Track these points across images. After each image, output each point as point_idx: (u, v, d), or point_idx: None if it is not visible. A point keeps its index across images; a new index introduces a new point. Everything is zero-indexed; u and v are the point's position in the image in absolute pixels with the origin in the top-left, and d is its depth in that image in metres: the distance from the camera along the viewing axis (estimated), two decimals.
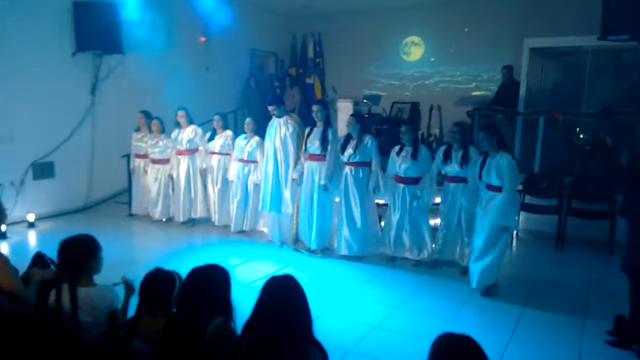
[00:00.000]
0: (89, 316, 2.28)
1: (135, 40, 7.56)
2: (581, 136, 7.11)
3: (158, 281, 2.14)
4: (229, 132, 6.74)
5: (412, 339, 3.68)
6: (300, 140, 5.82)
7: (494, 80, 9.09)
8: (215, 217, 6.76)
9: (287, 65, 11.51)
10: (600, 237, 5.99)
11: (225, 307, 2.02)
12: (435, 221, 5.52)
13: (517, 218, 5.07)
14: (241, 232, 6.49)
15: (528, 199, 6.53)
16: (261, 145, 6.25)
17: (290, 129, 5.85)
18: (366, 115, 9.96)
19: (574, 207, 6.12)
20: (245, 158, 6.38)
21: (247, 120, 6.57)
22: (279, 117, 5.92)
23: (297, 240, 5.99)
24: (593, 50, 7.26)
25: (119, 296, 2.40)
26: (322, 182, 5.60)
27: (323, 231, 5.77)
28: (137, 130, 7.12)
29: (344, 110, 7.26)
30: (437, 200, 5.42)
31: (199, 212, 6.85)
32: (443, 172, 5.20)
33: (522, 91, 7.67)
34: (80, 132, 7.38)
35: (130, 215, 7.23)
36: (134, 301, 2.32)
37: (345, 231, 5.54)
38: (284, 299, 1.85)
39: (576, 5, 7.65)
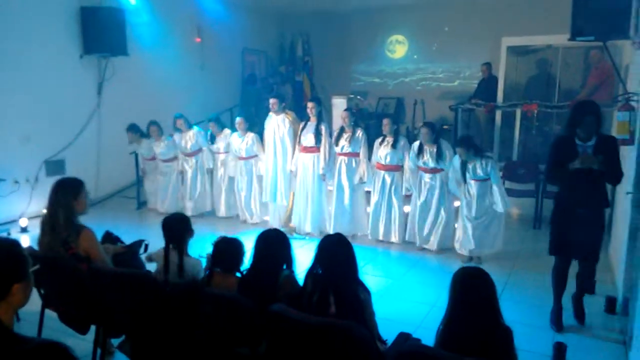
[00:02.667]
0: (175, 277, 2.82)
1: (138, 42, 7.99)
2: (556, 127, 7.78)
3: (229, 246, 2.68)
4: (227, 131, 7.20)
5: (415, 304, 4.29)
6: (295, 136, 6.39)
7: (476, 77, 9.75)
8: (222, 210, 7.26)
9: (276, 63, 12.00)
10: None
11: (288, 259, 2.59)
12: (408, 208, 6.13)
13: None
14: (250, 222, 7.00)
15: (508, 184, 7.18)
16: (258, 140, 6.78)
17: (287, 126, 6.42)
18: (355, 110, 10.53)
19: (548, 190, 6.78)
20: (244, 155, 6.87)
21: (238, 119, 6.93)
22: (277, 112, 6.45)
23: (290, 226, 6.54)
24: (564, 48, 7.93)
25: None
26: (321, 172, 6.17)
27: (319, 216, 6.38)
28: (131, 142, 7.49)
29: (339, 105, 7.83)
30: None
31: (207, 206, 7.35)
32: (418, 165, 5.81)
33: (500, 86, 8.32)
34: (87, 130, 7.78)
35: (139, 208, 7.67)
36: None
37: (337, 214, 6.17)
38: (337, 251, 2.43)
39: (548, 7, 8.34)
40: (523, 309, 4.24)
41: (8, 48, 6.55)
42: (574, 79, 8.29)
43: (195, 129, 7.28)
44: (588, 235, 3.75)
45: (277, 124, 6.47)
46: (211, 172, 7.36)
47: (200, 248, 3.11)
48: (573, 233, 3.76)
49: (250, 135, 6.83)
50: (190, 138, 7.20)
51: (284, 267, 2.58)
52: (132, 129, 7.35)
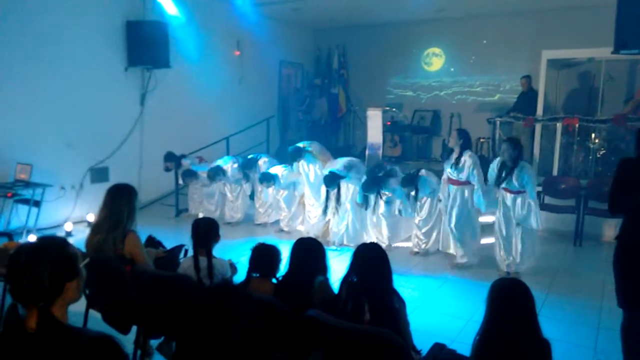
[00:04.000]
0: (206, 279, 2.91)
1: (180, 55, 8.25)
2: (596, 141, 7.58)
3: (267, 252, 2.74)
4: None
5: (451, 318, 4.23)
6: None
7: (516, 90, 9.63)
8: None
9: (312, 76, 12.14)
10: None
11: (323, 267, 2.63)
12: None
13: None
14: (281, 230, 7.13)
15: (548, 199, 7.03)
16: (289, 170, 6.99)
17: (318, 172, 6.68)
18: (389, 123, 10.53)
19: (590, 206, 6.60)
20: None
21: (260, 161, 7.29)
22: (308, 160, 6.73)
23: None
24: (607, 61, 7.73)
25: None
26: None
27: (358, 229, 6.42)
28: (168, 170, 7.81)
29: (374, 118, 7.84)
30: None
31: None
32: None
33: (540, 99, 8.17)
34: (130, 139, 8.05)
35: (177, 215, 7.87)
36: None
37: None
38: (372, 259, 2.46)
39: (589, 19, 8.18)
40: (562, 325, 4.12)
41: (58, 61, 6.88)
42: (618, 92, 8.06)
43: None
44: None
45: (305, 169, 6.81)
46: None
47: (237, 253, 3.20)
48: None
49: (281, 170, 6.99)
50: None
51: (319, 274, 2.62)
52: (168, 158, 7.66)
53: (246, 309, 1.72)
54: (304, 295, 2.45)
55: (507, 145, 5.21)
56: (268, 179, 6.74)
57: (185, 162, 7.68)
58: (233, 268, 3.22)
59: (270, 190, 7.05)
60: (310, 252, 2.65)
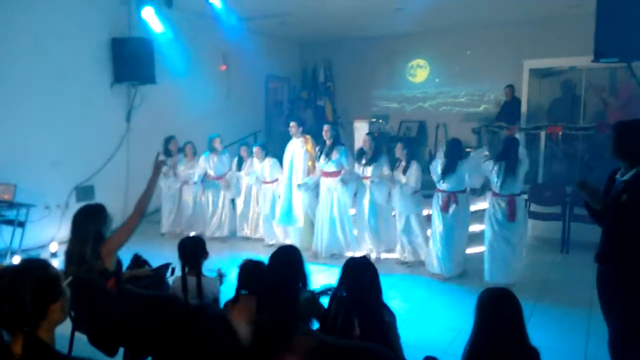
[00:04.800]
0: (195, 299, 2.86)
1: (166, 71, 8.24)
2: (579, 148, 7.69)
3: (255, 268, 2.71)
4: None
5: (441, 330, 4.22)
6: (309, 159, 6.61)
7: (500, 100, 9.75)
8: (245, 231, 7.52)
9: (298, 89, 12.20)
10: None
11: (302, 276, 2.61)
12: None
13: None
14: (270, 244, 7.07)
15: (533, 207, 7.08)
16: (277, 164, 6.99)
17: (303, 149, 6.62)
18: (376, 134, 10.60)
19: (576, 213, 6.66)
20: (268, 179, 7.11)
21: (255, 148, 7.21)
22: (296, 135, 6.68)
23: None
24: (587, 69, 7.87)
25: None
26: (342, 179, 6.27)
27: (341, 240, 6.44)
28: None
29: (361, 129, 7.92)
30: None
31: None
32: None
33: (523, 108, 8.28)
34: (116, 157, 7.98)
35: (164, 233, 7.80)
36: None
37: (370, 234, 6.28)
38: (362, 273, 2.44)
39: (570, 29, 8.33)
40: (552, 333, 4.14)
41: (42, 77, 6.83)
42: (600, 100, 8.20)
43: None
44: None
45: (294, 147, 6.65)
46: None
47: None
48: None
49: (269, 161, 7.01)
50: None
51: (300, 284, 2.58)
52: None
53: (223, 331, 1.69)
54: (286, 309, 2.39)
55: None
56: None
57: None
58: (221, 278, 3.18)
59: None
60: (285, 262, 2.59)
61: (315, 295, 2.57)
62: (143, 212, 3.09)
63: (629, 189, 2.78)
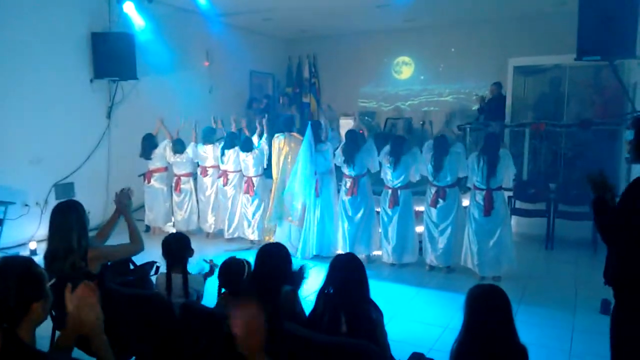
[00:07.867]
0: (179, 297, 2.78)
1: (147, 66, 8.10)
2: (563, 145, 7.76)
3: (236, 267, 2.65)
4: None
5: (427, 326, 4.21)
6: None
7: (485, 96, 9.78)
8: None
9: (283, 85, 12.12)
10: (585, 236, 6.57)
11: (289, 274, 2.56)
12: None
13: None
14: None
15: (518, 204, 7.12)
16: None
17: (292, 147, 6.58)
18: (361, 131, 10.56)
19: (560, 210, 6.71)
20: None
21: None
22: (283, 133, 6.68)
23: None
24: (571, 67, 7.94)
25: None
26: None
27: (329, 238, 6.39)
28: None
29: (346, 126, 7.88)
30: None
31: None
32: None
33: (508, 105, 8.33)
34: (97, 153, 7.82)
35: (147, 230, 7.67)
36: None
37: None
38: (349, 270, 2.40)
39: (553, 27, 8.40)
40: (537, 329, 4.14)
41: (20, 73, 6.65)
42: (583, 97, 8.28)
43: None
44: None
45: (281, 145, 6.57)
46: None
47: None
48: None
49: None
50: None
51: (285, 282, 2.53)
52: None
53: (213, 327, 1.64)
54: (270, 307, 2.33)
55: None
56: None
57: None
58: (212, 270, 3.13)
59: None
60: (272, 259, 2.56)
61: (295, 291, 2.52)
62: (140, 244, 3.03)
63: None
